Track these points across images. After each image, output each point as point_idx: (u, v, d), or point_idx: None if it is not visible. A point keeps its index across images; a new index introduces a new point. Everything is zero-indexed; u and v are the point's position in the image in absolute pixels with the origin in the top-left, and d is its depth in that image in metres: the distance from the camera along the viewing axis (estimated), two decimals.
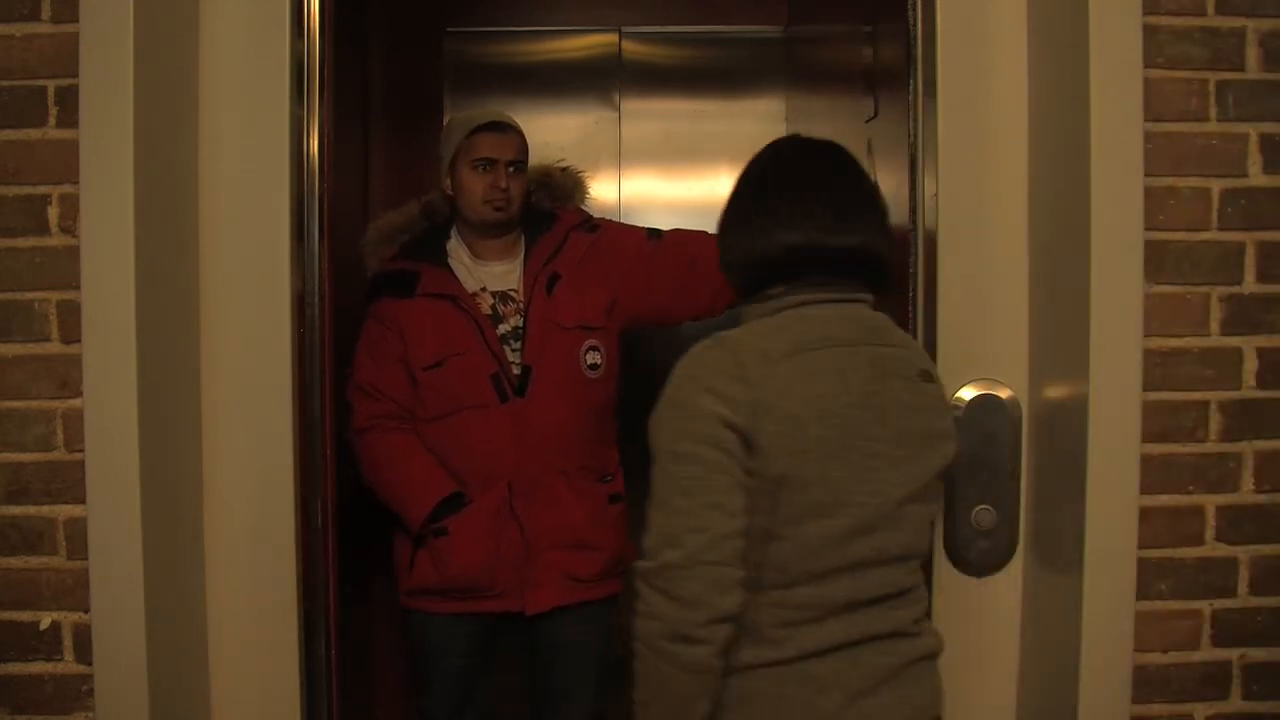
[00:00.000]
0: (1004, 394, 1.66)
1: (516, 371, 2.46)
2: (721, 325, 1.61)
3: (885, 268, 1.58)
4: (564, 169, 2.69)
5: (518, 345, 2.48)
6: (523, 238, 2.58)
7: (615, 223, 2.74)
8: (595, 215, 2.69)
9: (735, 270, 1.62)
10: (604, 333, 2.54)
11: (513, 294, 2.52)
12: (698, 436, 1.45)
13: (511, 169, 2.51)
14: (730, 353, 1.49)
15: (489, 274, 2.54)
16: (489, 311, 2.49)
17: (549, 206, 2.63)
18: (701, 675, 1.44)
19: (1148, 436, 1.54)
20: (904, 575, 1.53)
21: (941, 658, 1.54)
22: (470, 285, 2.51)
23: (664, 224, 3.66)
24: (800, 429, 1.46)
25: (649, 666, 1.46)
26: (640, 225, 2.75)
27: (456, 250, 2.56)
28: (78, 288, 1.52)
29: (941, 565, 1.67)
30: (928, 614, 1.59)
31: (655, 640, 1.43)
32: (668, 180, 3.68)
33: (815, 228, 1.54)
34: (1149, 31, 1.52)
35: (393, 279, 2.53)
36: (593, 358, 2.52)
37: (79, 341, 1.53)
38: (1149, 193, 1.52)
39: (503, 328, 2.49)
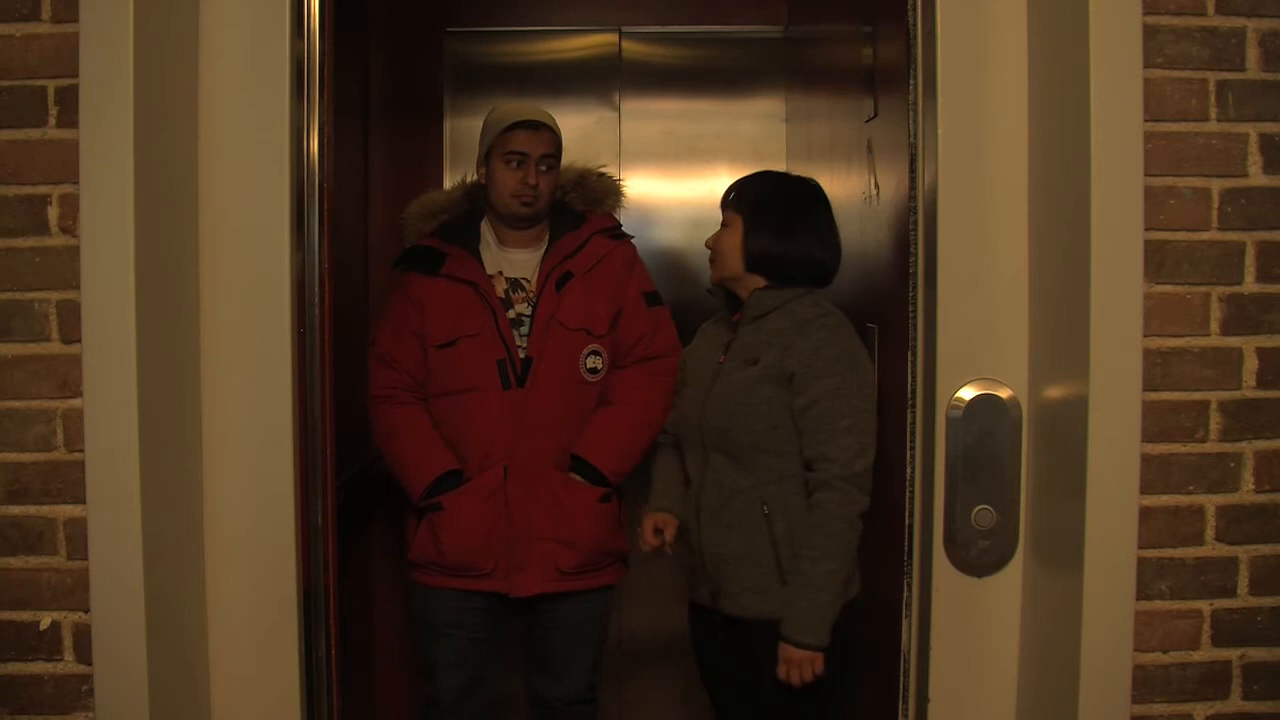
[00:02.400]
0: (1004, 394, 1.65)
1: (522, 356, 2.52)
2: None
3: None
4: (601, 174, 2.74)
5: (524, 333, 2.53)
6: (549, 231, 2.62)
7: (637, 255, 2.72)
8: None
9: (769, 262, 2.34)
10: (605, 340, 2.59)
11: (524, 282, 2.58)
12: (871, 384, 2.24)
13: (543, 166, 2.55)
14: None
15: (509, 260, 2.60)
16: (501, 295, 2.56)
17: (580, 209, 2.68)
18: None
19: (1148, 436, 1.54)
20: None
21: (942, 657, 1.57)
22: (490, 268, 2.58)
23: (664, 223, 3.68)
24: None
25: (848, 534, 2.20)
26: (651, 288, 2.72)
27: (485, 234, 2.63)
28: (78, 288, 1.52)
29: (941, 565, 1.67)
30: None
31: (854, 518, 2.19)
32: (668, 180, 3.68)
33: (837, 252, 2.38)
34: (1149, 31, 1.52)
35: (421, 255, 2.60)
36: (593, 362, 2.58)
37: (79, 341, 1.52)
38: (1149, 193, 1.52)
39: (510, 313, 2.55)
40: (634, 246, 2.70)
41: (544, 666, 2.66)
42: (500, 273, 2.58)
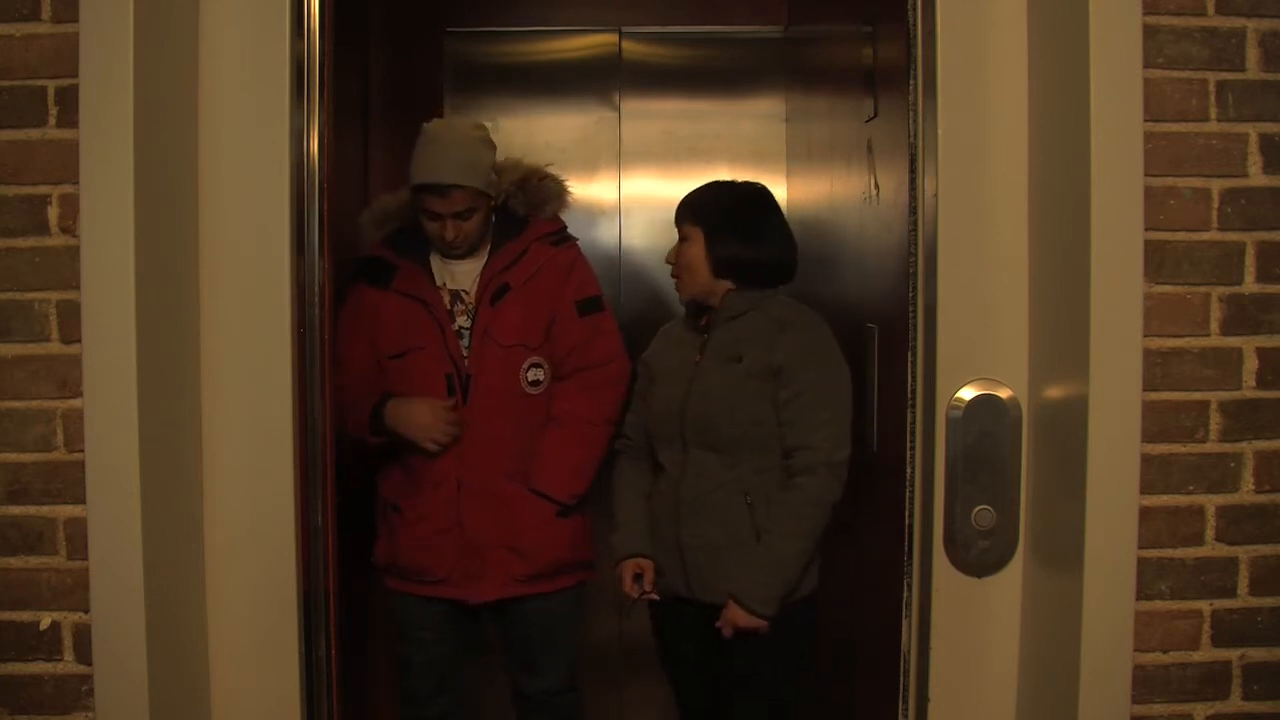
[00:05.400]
0: (1004, 394, 1.65)
1: (466, 370, 2.53)
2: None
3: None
4: (544, 177, 2.65)
5: (467, 345, 2.54)
6: (491, 239, 2.60)
7: (582, 258, 2.68)
8: (571, 233, 2.68)
9: (739, 267, 2.41)
10: (543, 350, 2.58)
11: (464, 294, 2.57)
12: (848, 381, 2.34)
13: (460, 218, 2.50)
14: None
15: (451, 272, 2.60)
16: (447, 307, 2.56)
17: (522, 214, 2.62)
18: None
19: (1148, 436, 1.54)
20: None
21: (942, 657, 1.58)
22: (437, 279, 2.58)
23: (663, 222, 3.67)
24: None
25: (819, 519, 2.30)
26: (595, 283, 2.68)
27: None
28: (78, 288, 1.52)
29: (941, 565, 1.67)
30: None
31: (828, 506, 2.29)
32: (668, 180, 3.67)
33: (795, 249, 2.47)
34: (1149, 31, 1.52)
35: (373, 266, 2.60)
36: (534, 374, 2.57)
37: (79, 341, 1.52)
38: (1149, 193, 1.52)
39: (454, 326, 2.56)
40: (577, 249, 2.65)
41: (522, 664, 2.69)
42: (444, 285, 2.58)
